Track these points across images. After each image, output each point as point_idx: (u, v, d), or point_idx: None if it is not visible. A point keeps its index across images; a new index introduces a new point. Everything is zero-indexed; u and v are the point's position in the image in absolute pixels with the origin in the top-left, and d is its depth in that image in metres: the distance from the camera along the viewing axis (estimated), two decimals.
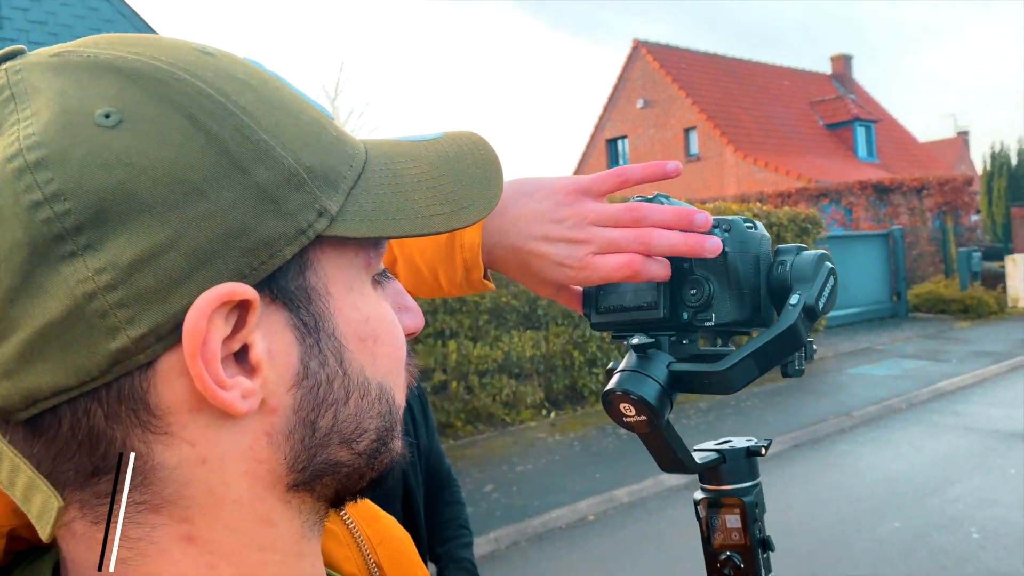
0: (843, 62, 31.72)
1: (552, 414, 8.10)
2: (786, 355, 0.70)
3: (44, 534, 0.41)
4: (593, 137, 28.83)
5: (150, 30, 10.25)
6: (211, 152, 0.40)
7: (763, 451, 0.77)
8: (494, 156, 0.54)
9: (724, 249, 0.71)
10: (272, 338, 0.43)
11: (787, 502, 5.54)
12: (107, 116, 0.39)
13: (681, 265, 0.73)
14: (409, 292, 0.85)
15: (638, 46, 26.78)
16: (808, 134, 27.11)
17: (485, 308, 7.70)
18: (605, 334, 0.82)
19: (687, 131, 25.69)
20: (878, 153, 28.23)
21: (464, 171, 0.52)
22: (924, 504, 5.39)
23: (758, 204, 12.88)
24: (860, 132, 27.75)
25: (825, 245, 12.40)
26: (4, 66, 0.43)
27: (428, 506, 1.88)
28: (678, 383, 0.71)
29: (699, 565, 0.76)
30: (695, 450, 0.78)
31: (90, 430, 0.40)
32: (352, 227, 0.44)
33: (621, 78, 27.56)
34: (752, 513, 0.75)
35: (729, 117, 25.39)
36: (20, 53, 0.44)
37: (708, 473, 0.77)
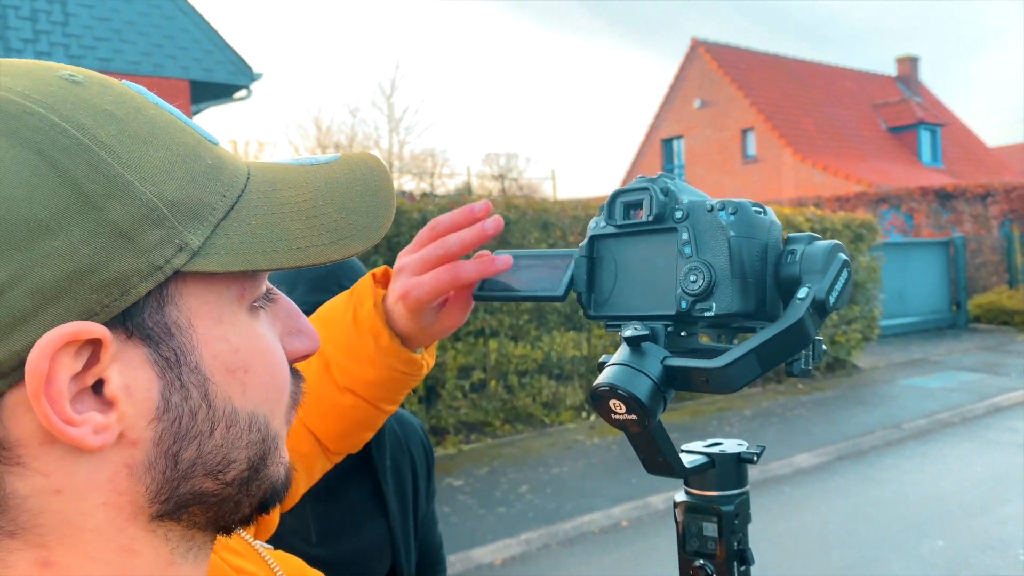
0: (909, 64, 30.91)
1: (591, 417, 8.04)
2: (792, 352, 0.65)
3: None
4: (648, 137, 28.59)
5: (209, 26, 10.48)
6: (62, 189, 0.40)
7: (755, 459, 0.72)
8: (387, 183, 0.53)
9: (728, 233, 0.66)
10: (130, 373, 0.43)
11: (826, 515, 5.43)
12: None
13: (682, 251, 0.69)
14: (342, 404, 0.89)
15: (696, 45, 26.47)
16: (870, 137, 26.49)
17: (526, 307, 7.69)
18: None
19: (744, 132, 25.33)
20: (943, 158, 27.46)
21: (351, 199, 0.51)
22: (971, 523, 5.22)
23: (813, 208, 12.60)
24: (925, 136, 27.04)
25: (882, 252, 12.09)
26: None
27: None
28: (673, 380, 0.66)
29: None
30: (682, 451, 0.74)
31: None
32: (215, 262, 0.44)
33: (678, 77, 27.27)
34: (730, 524, 0.71)
35: (788, 118, 24.94)
36: None
37: (693, 476, 0.73)
